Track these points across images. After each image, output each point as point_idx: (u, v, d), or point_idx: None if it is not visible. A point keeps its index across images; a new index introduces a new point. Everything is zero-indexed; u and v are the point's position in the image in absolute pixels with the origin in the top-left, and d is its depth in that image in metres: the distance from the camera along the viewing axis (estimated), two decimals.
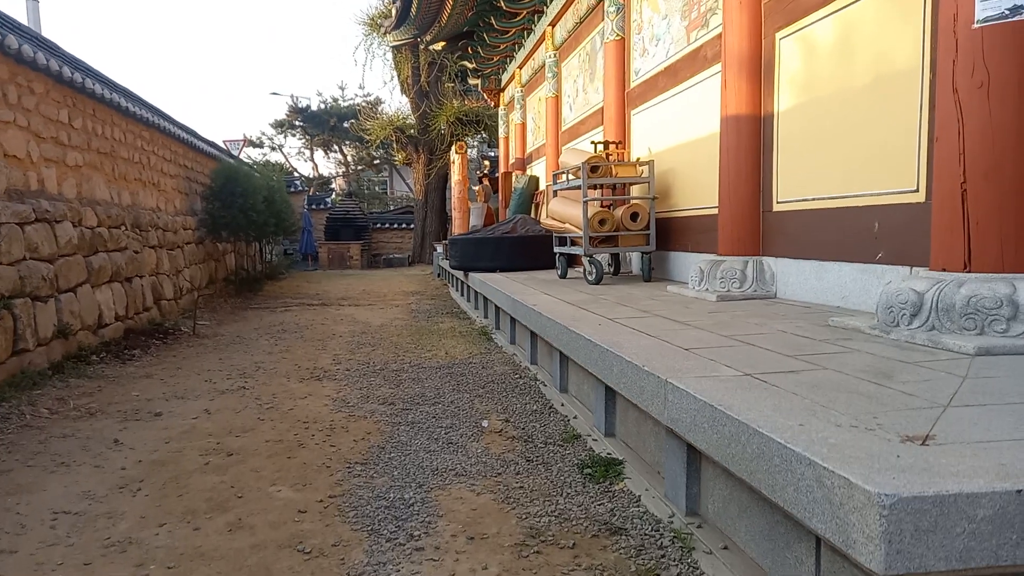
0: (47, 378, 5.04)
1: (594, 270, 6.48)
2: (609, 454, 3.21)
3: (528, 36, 12.82)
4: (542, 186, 12.46)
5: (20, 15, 13.35)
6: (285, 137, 32.86)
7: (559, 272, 7.47)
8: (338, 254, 21.39)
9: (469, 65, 16.48)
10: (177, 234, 9.87)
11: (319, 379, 5.21)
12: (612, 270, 7.43)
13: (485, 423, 3.86)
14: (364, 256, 22.19)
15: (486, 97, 16.97)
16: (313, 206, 24.39)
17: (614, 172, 6.73)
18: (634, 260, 7.53)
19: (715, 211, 5.46)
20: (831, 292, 4.23)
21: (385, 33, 17.37)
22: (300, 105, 30.91)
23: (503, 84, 16.16)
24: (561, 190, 7.45)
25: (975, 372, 2.33)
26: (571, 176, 6.98)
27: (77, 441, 3.67)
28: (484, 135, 21.67)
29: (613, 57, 7.84)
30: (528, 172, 13.68)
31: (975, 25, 2.84)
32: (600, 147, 7.21)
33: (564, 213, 7.02)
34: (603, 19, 8.46)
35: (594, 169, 6.61)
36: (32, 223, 5.48)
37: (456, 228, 13.86)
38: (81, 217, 6.45)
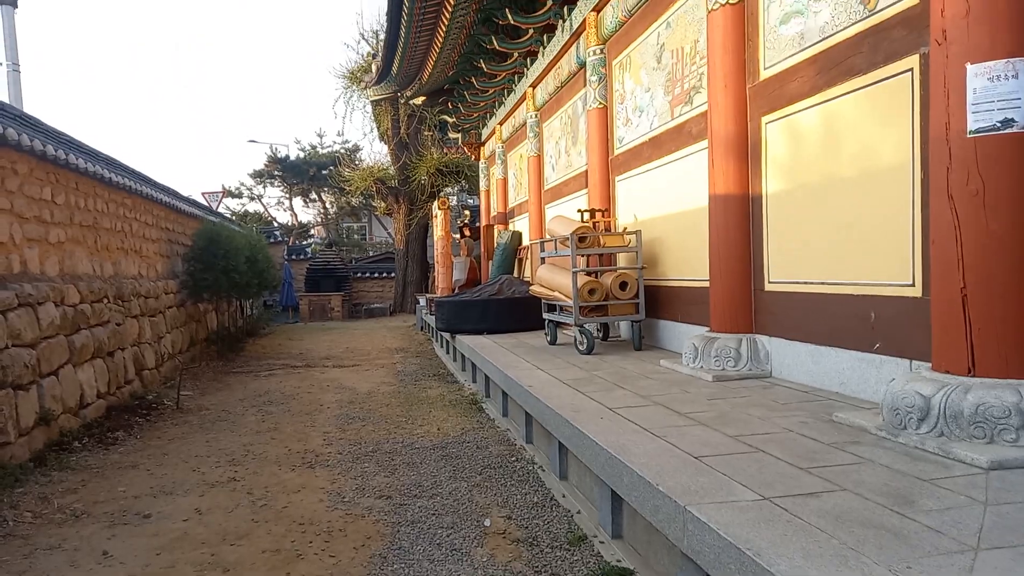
0: (29, 472, 4.88)
1: (585, 340, 6.46)
2: (619, 561, 3.15)
3: (508, 95, 13.01)
4: (525, 241, 12.53)
5: (1, 84, 13.26)
6: (264, 187, 32.85)
7: (548, 338, 7.44)
8: (319, 306, 21.21)
9: (449, 119, 16.66)
10: (159, 299, 9.73)
11: (311, 465, 5.09)
12: (601, 335, 7.43)
13: (487, 522, 3.78)
14: (345, 306, 22.05)
15: (466, 150, 17.13)
16: (293, 256, 24.27)
17: (602, 242, 6.77)
18: (623, 325, 7.53)
19: (705, 284, 5.50)
20: (829, 377, 4.25)
21: (366, 87, 17.54)
22: (279, 155, 30.97)
23: (483, 139, 16.34)
24: (549, 257, 7.48)
25: (994, 496, 2.33)
26: (559, 245, 7.01)
27: (64, 554, 3.53)
28: (464, 184, 21.82)
29: (596, 124, 7.95)
30: (511, 227, 13.76)
31: (968, 135, 2.91)
32: (587, 215, 7.28)
33: (553, 281, 7.03)
34: (585, 86, 8.61)
35: (582, 239, 6.65)
36: (15, 309, 5.36)
37: (440, 282, 13.84)
38: (64, 296, 6.33)
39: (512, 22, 9.20)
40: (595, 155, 8.00)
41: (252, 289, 12.10)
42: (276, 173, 31.52)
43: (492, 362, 6.45)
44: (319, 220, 34.88)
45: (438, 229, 13.76)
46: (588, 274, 6.79)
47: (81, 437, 5.87)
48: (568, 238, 6.63)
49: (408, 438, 5.81)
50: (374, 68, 18.88)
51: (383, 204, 22.72)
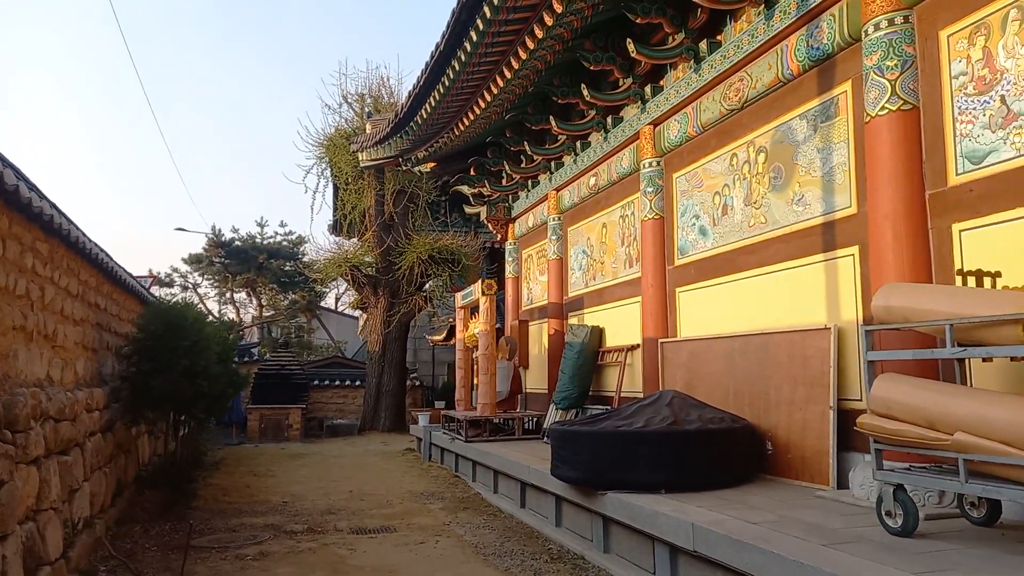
0: None
1: None
2: None
3: (583, 149, 9.83)
4: (615, 341, 9.01)
5: None
6: (203, 275, 28.12)
7: (896, 523, 3.76)
8: (274, 422, 16.66)
9: (468, 190, 13.38)
10: (77, 423, 5.62)
11: None
12: (983, 516, 3.86)
13: None
14: (303, 423, 17.57)
15: (491, 228, 13.75)
16: (236, 359, 19.77)
17: None
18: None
19: None
20: None
21: (359, 150, 14.16)
22: (223, 238, 26.63)
23: (515, 214, 13.03)
24: (884, 360, 3.99)
25: None
26: (955, 341, 3.51)
27: None
28: (456, 276, 18.15)
29: (895, 136, 4.73)
30: (575, 321, 10.22)
31: None
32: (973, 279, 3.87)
33: (953, 412, 3.46)
34: (841, 86, 5.48)
35: None
36: None
37: (482, 395, 10.01)
38: None
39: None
40: (891, 189, 4.71)
41: (224, 403, 7.99)
42: (217, 260, 27.03)
43: None
44: (259, 318, 30.21)
45: (480, 323, 10.06)
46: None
47: None
48: (1008, 319, 3.17)
49: None
50: (368, 127, 15.66)
51: (358, 296, 18.83)
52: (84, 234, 5.91)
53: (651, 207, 7.98)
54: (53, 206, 5.08)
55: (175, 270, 28.09)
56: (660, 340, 7.58)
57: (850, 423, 5.17)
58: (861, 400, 5.11)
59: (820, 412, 5.27)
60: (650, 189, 8.01)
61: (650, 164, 8.03)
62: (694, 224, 7.38)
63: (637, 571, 5.07)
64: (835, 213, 5.45)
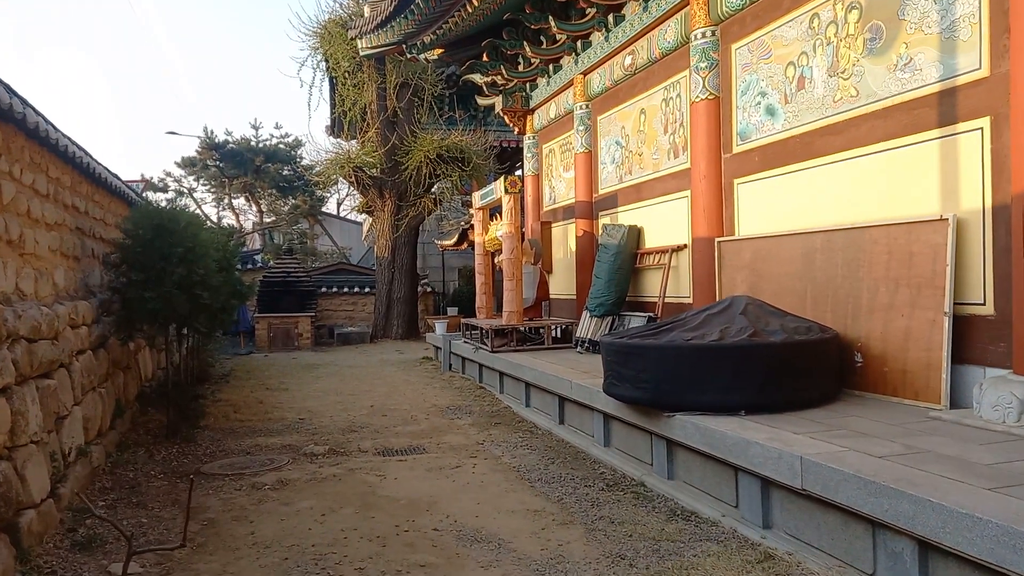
0: None
1: None
2: None
3: (617, 23, 8.64)
4: (656, 241, 8.15)
5: None
6: (198, 180, 26.90)
7: None
8: (282, 331, 16.05)
9: (481, 79, 12.15)
10: (60, 341, 4.86)
11: None
12: None
13: None
14: (313, 331, 16.99)
15: (507, 120, 12.61)
16: (240, 266, 19.00)
17: None
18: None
19: None
20: None
21: (358, 37, 12.84)
22: (217, 141, 25.26)
23: (534, 104, 11.87)
24: None
25: None
26: None
27: None
28: (466, 176, 17.05)
29: None
30: (606, 221, 9.32)
31: None
32: None
33: None
34: None
35: None
36: None
37: (507, 303, 9.24)
38: None
39: None
40: None
41: (228, 315, 7.22)
42: (212, 164, 25.74)
43: None
44: (261, 224, 29.22)
45: (505, 224, 9.16)
46: None
47: None
48: None
49: None
50: (367, 10, 14.21)
51: (364, 199, 17.82)
52: (48, 121, 4.96)
53: (704, 86, 6.93)
54: (8, 90, 4.12)
55: (168, 174, 26.89)
56: (716, 239, 6.72)
57: (968, 331, 4.41)
58: (984, 304, 4.30)
59: (930, 319, 4.47)
60: (702, 65, 6.93)
61: (703, 34, 6.92)
62: (759, 103, 6.36)
63: (713, 503, 4.41)
64: (957, 78, 4.47)
